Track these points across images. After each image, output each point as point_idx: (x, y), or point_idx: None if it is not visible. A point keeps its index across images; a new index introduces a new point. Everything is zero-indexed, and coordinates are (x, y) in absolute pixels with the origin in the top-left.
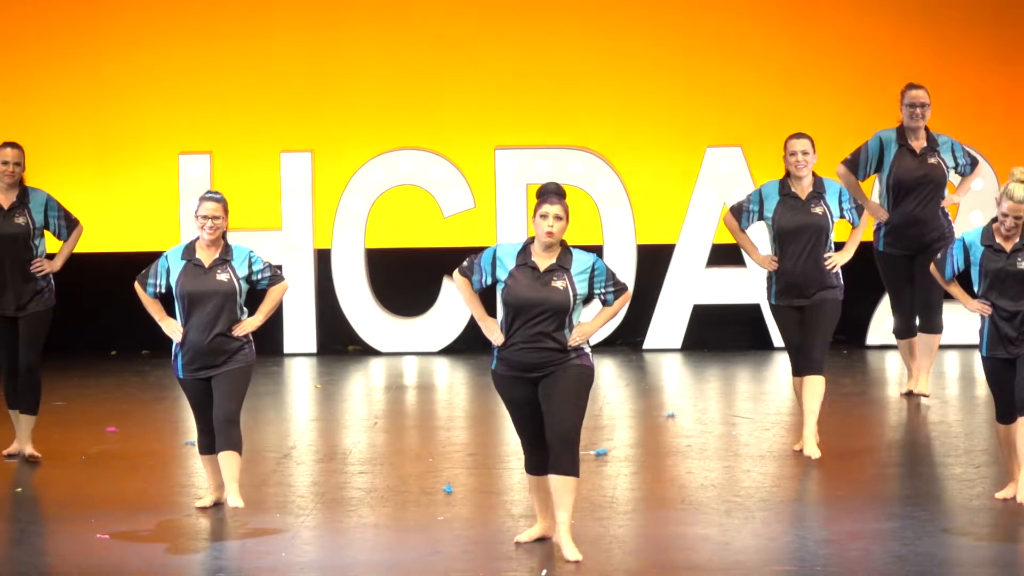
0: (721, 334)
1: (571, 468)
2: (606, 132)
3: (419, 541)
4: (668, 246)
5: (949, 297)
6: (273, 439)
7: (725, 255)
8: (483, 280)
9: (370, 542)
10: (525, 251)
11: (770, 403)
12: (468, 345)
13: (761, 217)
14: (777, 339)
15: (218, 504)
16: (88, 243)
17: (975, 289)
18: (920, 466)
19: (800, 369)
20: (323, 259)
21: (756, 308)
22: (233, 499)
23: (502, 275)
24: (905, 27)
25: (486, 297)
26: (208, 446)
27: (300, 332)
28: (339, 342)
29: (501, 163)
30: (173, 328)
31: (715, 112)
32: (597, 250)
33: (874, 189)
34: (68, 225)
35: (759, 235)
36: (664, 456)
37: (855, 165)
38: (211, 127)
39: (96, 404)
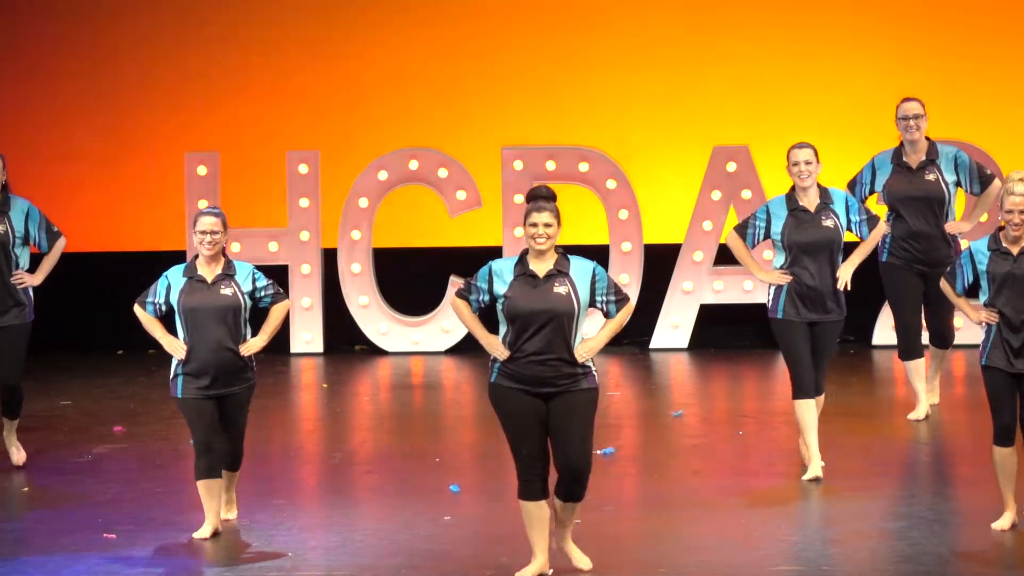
0: (728, 334)
1: (582, 496)
2: (613, 131)
3: (426, 541)
4: (675, 245)
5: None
6: (280, 439)
7: (732, 255)
8: (481, 299)
9: (377, 542)
10: (522, 262)
11: (777, 402)
12: (474, 345)
13: (768, 234)
14: None
15: (217, 534)
16: (95, 242)
17: (982, 299)
18: (927, 466)
19: (810, 391)
20: (329, 258)
21: (763, 308)
22: (224, 513)
23: (501, 289)
24: (911, 25)
25: (485, 318)
26: (206, 470)
27: (307, 332)
28: (346, 342)
29: (508, 162)
30: (176, 346)
31: (722, 111)
32: (603, 249)
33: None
34: (49, 237)
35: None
36: (671, 456)
37: (852, 187)
38: (218, 126)
39: (103, 403)
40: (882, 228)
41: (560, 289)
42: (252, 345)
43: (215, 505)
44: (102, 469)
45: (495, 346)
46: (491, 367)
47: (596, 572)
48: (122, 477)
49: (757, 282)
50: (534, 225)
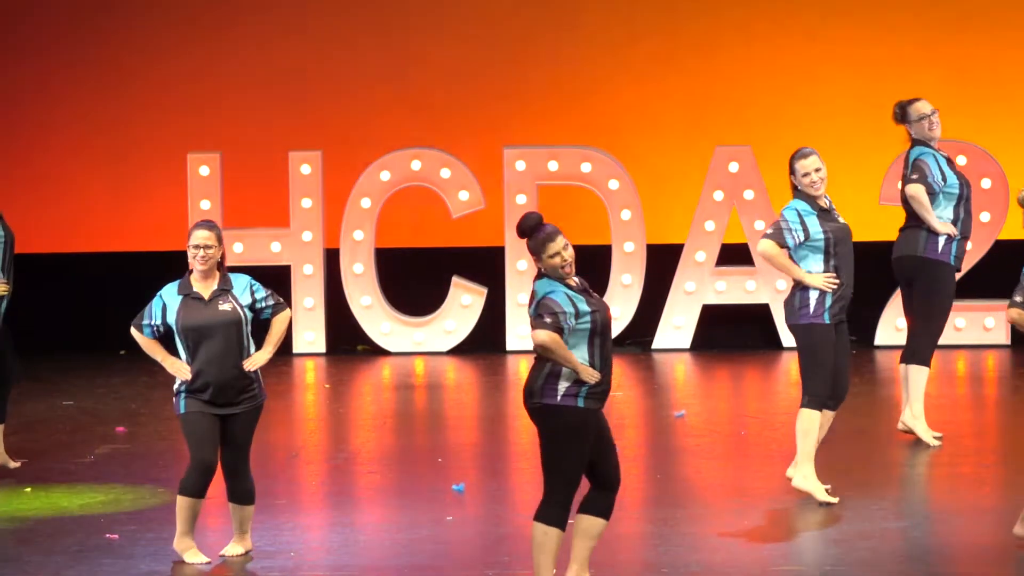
0: (730, 334)
1: (611, 512)
2: (615, 131)
3: (428, 541)
4: (677, 246)
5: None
6: (282, 439)
7: (734, 255)
8: (578, 318)
9: (379, 542)
10: (563, 283)
11: (779, 403)
12: (476, 345)
13: (807, 236)
14: (787, 339)
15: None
16: (96, 242)
17: None
18: (929, 466)
19: (837, 399)
20: (332, 259)
21: (765, 308)
22: (231, 548)
23: (584, 306)
24: (913, 26)
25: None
26: (195, 487)
27: (309, 332)
28: (348, 342)
29: (510, 162)
30: (180, 368)
31: (724, 111)
32: (605, 249)
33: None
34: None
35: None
36: (673, 456)
37: (925, 180)
38: (220, 126)
39: (105, 403)
40: None
41: (595, 294)
42: (256, 359)
43: (187, 525)
44: (104, 469)
45: (587, 370)
46: (579, 393)
47: (596, 572)
48: (124, 477)
49: (759, 282)
50: (557, 255)
